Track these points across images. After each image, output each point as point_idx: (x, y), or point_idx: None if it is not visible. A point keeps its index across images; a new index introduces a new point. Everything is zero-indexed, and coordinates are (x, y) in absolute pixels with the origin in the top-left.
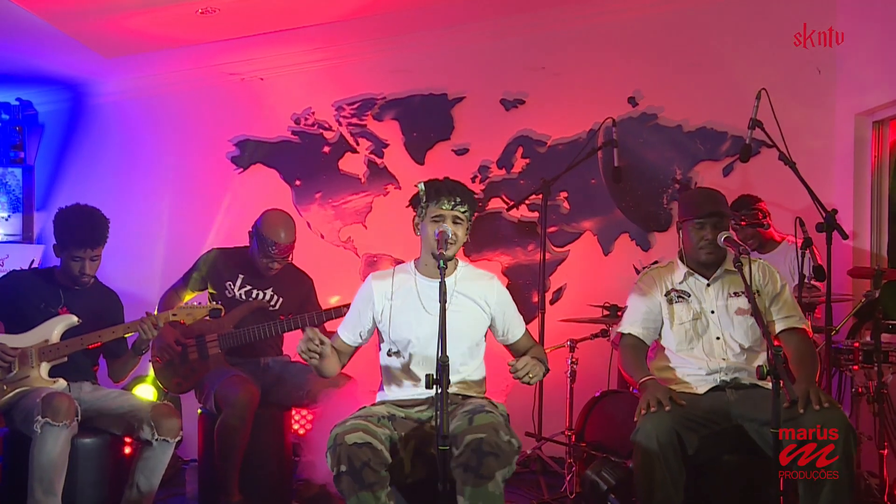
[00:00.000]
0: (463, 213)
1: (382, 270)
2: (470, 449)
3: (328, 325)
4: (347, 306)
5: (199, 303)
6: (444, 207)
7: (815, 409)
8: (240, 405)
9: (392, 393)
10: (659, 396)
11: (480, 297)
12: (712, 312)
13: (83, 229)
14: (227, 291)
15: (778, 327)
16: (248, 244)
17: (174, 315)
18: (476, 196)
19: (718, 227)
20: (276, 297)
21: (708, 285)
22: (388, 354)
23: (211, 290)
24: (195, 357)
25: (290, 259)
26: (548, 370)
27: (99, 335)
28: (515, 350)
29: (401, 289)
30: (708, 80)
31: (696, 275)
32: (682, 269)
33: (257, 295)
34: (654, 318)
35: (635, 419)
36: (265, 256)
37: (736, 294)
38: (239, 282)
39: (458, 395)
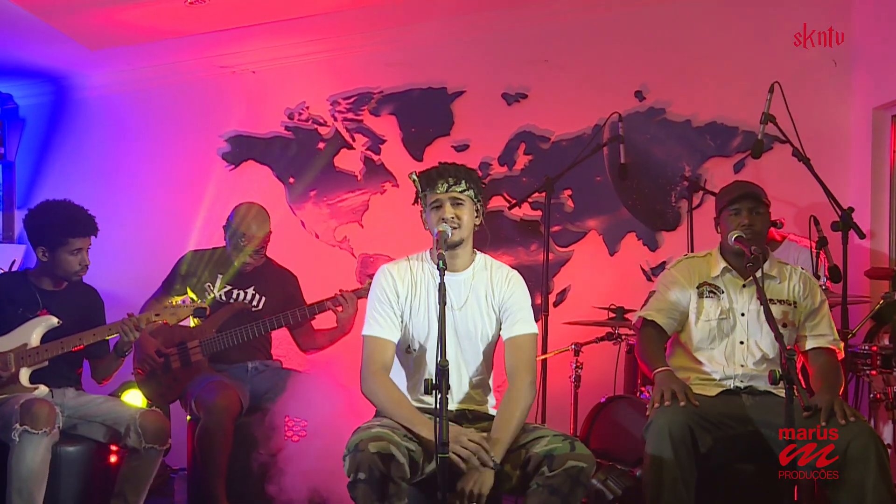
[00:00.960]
0: (461, 192)
1: (395, 261)
2: (568, 475)
3: (315, 323)
4: (331, 300)
5: (184, 302)
6: (439, 191)
7: (841, 423)
8: (217, 411)
9: (411, 397)
10: (674, 388)
11: (494, 289)
12: (742, 315)
13: (79, 218)
14: (207, 294)
15: (808, 344)
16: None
17: (157, 316)
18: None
19: (755, 213)
20: (258, 297)
21: (744, 286)
22: (407, 351)
23: (192, 296)
24: (178, 365)
25: (264, 253)
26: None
27: (80, 338)
28: (506, 355)
29: (419, 280)
30: (718, 72)
31: (734, 272)
32: (720, 264)
33: (238, 296)
34: (681, 310)
35: (647, 413)
36: (236, 250)
37: (771, 301)
38: (219, 282)
39: (466, 410)
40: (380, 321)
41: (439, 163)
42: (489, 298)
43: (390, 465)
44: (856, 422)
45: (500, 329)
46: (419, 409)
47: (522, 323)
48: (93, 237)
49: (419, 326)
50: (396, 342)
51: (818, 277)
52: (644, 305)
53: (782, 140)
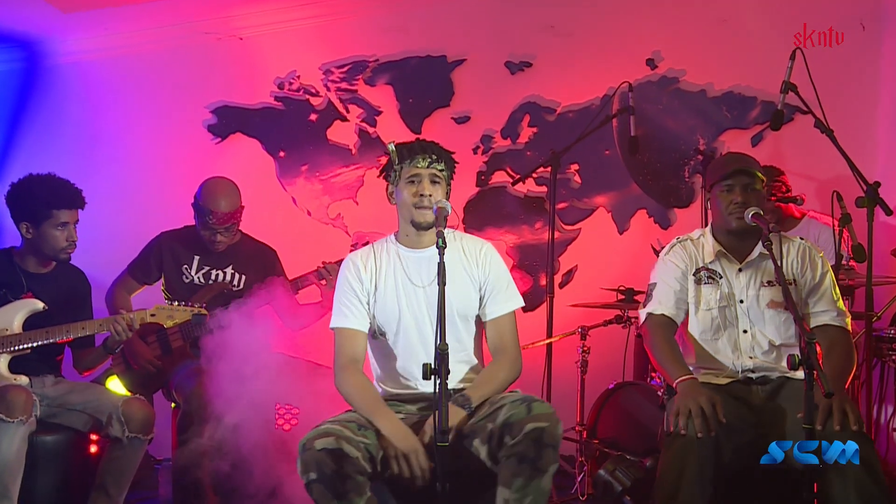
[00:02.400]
0: (440, 171)
1: (359, 249)
2: (530, 438)
3: (298, 296)
4: (314, 273)
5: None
6: (419, 165)
7: (836, 429)
8: (195, 397)
9: (387, 387)
10: (702, 403)
11: (470, 263)
12: (741, 302)
13: (64, 190)
14: (184, 277)
15: (812, 322)
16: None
17: (153, 316)
18: (479, 169)
19: (749, 189)
20: (237, 276)
21: (740, 270)
22: (375, 337)
23: (163, 287)
24: (158, 353)
25: (235, 230)
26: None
27: (67, 330)
28: (488, 336)
29: (384, 263)
30: (736, 38)
31: (729, 255)
32: (714, 247)
33: (217, 276)
34: (685, 298)
35: (671, 429)
36: (205, 229)
37: (770, 283)
38: (196, 264)
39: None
40: (345, 311)
41: (417, 139)
42: (468, 271)
43: (341, 461)
44: (857, 432)
45: (480, 305)
46: (396, 395)
47: (506, 300)
48: (80, 211)
49: (386, 309)
50: (366, 332)
51: (841, 257)
52: (647, 302)
53: (804, 110)
